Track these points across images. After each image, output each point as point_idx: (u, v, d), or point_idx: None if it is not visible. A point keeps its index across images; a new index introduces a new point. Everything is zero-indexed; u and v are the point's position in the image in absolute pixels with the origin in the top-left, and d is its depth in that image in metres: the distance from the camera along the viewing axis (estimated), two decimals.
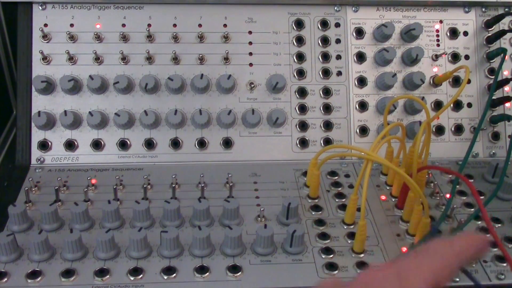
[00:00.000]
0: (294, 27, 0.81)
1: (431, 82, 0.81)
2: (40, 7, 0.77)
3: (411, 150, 0.66)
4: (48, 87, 0.75)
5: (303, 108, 0.79)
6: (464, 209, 0.69)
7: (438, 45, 0.83)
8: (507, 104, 0.82)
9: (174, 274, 0.57)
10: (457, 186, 0.68)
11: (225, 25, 0.79)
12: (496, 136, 0.81)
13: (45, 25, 0.77)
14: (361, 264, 0.59)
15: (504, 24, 0.83)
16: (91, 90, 0.76)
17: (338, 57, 0.81)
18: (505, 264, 0.60)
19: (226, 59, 0.79)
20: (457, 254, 0.44)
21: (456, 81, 0.81)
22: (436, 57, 0.82)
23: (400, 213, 0.67)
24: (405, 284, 0.36)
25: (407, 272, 0.37)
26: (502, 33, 0.82)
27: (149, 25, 0.78)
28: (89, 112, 0.74)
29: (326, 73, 0.80)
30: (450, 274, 0.42)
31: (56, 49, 0.76)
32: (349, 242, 0.62)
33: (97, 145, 0.75)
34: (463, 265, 0.46)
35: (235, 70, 0.79)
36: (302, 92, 0.79)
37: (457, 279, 0.58)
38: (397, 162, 0.70)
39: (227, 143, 0.77)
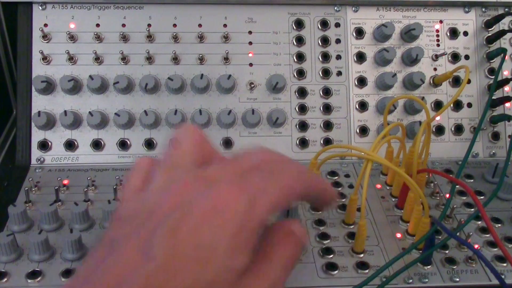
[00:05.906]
0: (294, 27, 0.81)
1: (431, 82, 0.81)
2: (40, 7, 0.77)
3: (411, 150, 0.66)
4: (48, 87, 0.75)
5: (303, 108, 0.79)
6: (464, 209, 0.69)
7: (438, 45, 0.83)
8: (507, 104, 0.82)
9: None
10: (457, 186, 0.68)
11: (225, 25, 0.80)
12: (496, 136, 0.81)
13: (45, 25, 0.77)
14: (361, 264, 0.59)
15: (504, 24, 0.83)
16: (91, 90, 0.76)
17: (338, 57, 0.81)
18: (505, 264, 0.60)
19: (226, 59, 0.79)
20: (305, 180, 0.43)
21: (456, 81, 0.81)
22: (436, 57, 0.82)
23: (400, 213, 0.67)
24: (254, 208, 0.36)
25: (256, 196, 0.36)
26: (502, 33, 0.82)
27: (149, 25, 0.78)
28: (89, 112, 0.74)
29: (326, 73, 0.80)
30: (293, 197, 0.42)
31: (56, 49, 0.76)
32: (349, 242, 0.62)
33: (97, 145, 0.75)
34: (305, 197, 0.45)
35: (235, 70, 0.79)
36: (302, 92, 0.79)
37: (457, 279, 0.58)
38: (397, 162, 0.70)
39: (227, 143, 0.77)
